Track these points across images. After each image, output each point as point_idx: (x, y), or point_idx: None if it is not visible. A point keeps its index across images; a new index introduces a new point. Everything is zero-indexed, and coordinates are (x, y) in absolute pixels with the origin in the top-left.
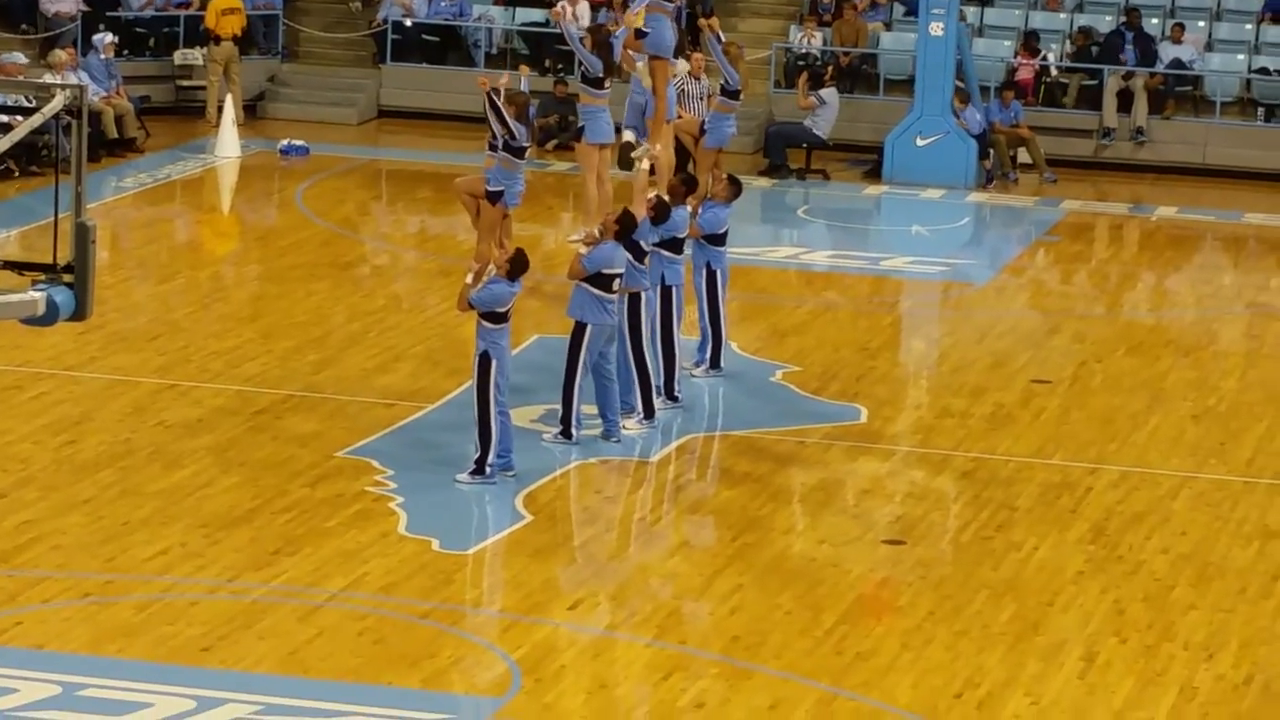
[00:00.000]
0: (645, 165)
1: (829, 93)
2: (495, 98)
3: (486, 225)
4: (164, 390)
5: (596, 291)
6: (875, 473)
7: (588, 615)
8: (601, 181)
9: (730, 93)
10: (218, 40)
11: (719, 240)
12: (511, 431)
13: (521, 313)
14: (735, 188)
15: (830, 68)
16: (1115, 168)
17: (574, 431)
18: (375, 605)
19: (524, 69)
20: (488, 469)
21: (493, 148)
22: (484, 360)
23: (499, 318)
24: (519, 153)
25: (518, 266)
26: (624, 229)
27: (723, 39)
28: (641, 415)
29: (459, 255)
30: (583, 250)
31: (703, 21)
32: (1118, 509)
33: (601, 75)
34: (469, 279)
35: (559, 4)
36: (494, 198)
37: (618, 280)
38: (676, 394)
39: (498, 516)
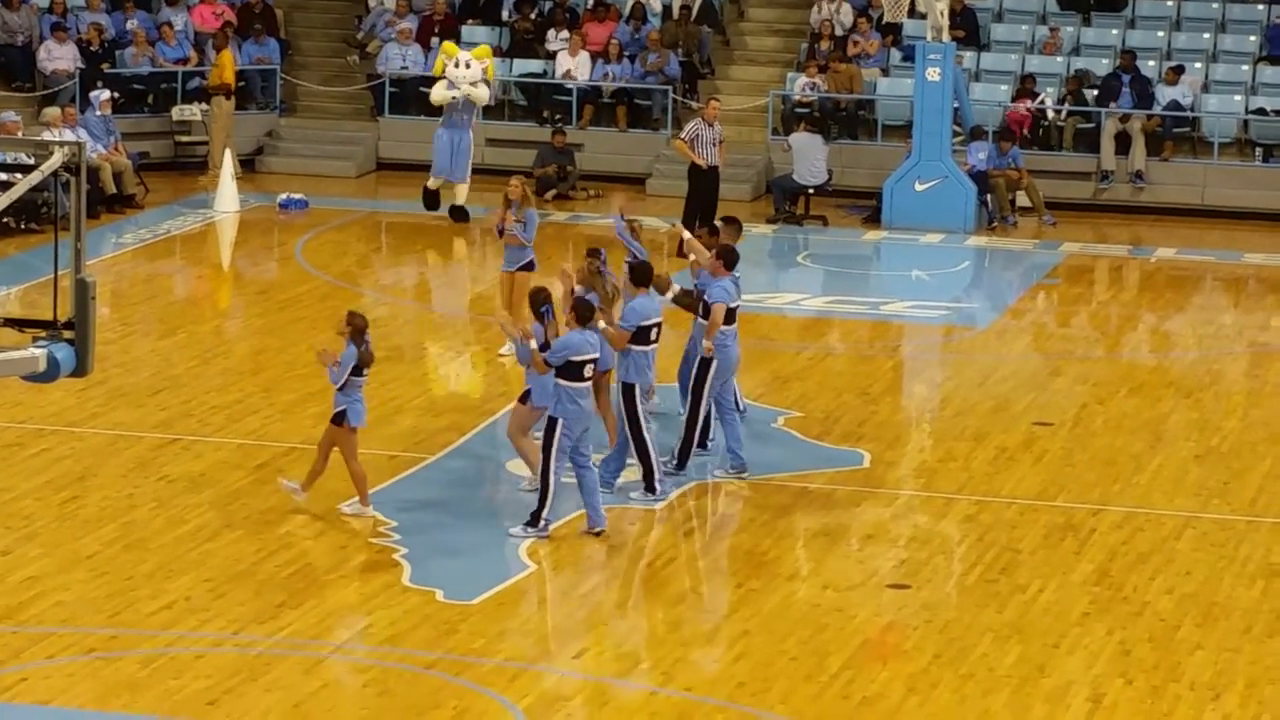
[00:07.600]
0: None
1: (798, 138)
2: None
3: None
4: (166, 445)
5: (637, 348)
6: (879, 517)
7: (594, 663)
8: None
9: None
10: (229, 94)
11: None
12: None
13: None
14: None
15: (803, 120)
16: (1114, 210)
17: (657, 483)
18: (380, 657)
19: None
20: (542, 521)
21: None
22: (550, 424)
23: (576, 374)
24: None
25: (585, 311)
26: (640, 278)
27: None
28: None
29: (458, 307)
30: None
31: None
32: (1122, 550)
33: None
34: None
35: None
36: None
37: (655, 330)
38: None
39: (502, 566)
